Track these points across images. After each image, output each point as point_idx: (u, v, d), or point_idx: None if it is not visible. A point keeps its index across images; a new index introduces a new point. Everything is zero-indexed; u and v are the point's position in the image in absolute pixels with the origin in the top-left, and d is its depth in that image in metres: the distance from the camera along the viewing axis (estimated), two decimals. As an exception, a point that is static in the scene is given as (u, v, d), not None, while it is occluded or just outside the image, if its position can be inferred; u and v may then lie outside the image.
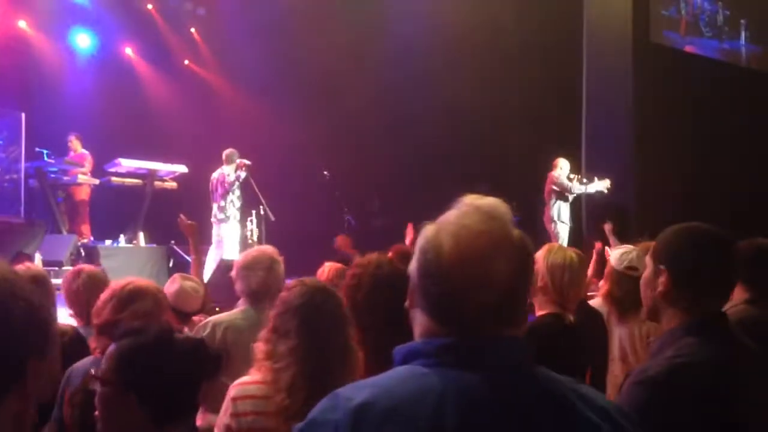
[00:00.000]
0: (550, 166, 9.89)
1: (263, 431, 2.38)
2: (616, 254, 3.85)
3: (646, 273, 1.98)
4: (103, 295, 2.78)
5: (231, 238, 9.45)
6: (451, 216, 1.29)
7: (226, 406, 2.44)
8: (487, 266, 1.21)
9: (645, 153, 11.05)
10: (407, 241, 8.21)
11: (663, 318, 1.91)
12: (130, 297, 2.72)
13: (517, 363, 1.23)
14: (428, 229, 1.29)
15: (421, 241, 1.29)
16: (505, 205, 1.31)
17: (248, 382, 2.45)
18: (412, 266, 1.30)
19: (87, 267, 3.72)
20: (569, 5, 11.53)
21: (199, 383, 1.91)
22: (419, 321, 1.28)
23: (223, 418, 2.44)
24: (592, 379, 3.42)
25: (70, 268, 9.66)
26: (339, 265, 4.24)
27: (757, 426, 1.77)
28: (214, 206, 9.61)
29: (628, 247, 3.93)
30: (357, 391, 1.20)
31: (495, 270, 1.21)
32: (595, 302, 4.02)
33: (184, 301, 3.65)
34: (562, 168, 9.73)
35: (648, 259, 1.99)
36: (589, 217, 10.24)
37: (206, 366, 1.93)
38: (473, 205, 1.30)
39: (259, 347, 2.45)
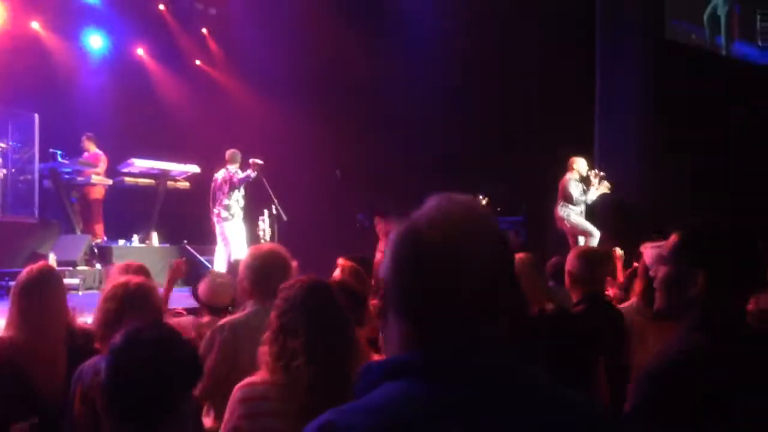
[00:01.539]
0: (563, 165, 9.72)
1: None
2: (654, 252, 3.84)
3: (668, 272, 1.93)
4: (102, 296, 2.82)
5: (237, 236, 9.45)
6: (426, 208, 1.17)
7: (233, 408, 2.35)
8: (468, 250, 1.10)
9: (659, 151, 10.99)
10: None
11: (687, 317, 1.89)
12: (127, 302, 2.73)
13: (514, 372, 1.11)
14: (404, 222, 1.16)
15: (397, 234, 1.16)
16: (478, 199, 1.23)
17: (258, 382, 2.36)
18: (386, 267, 1.15)
19: (133, 262, 3.85)
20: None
21: (171, 388, 1.88)
22: (395, 328, 1.14)
23: (230, 421, 2.34)
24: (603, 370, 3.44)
25: (84, 268, 9.77)
26: (354, 263, 4.24)
27: (759, 426, 1.76)
28: (218, 206, 9.58)
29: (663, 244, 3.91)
30: (353, 416, 1.07)
31: (477, 255, 1.10)
32: (627, 305, 4.01)
33: (217, 296, 3.80)
34: (577, 167, 9.50)
35: (666, 258, 1.95)
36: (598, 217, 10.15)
37: (180, 372, 1.90)
38: (447, 197, 1.18)
39: (267, 348, 2.38)
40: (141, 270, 3.64)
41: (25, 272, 3.14)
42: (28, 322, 3.00)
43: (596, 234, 9.22)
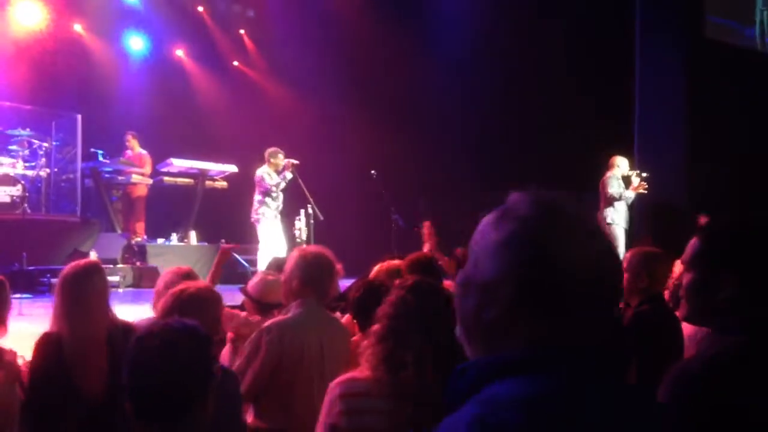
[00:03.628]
0: (603, 166, 9.65)
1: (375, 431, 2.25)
2: None
3: (694, 277, 1.85)
4: (162, 303, 2.84)
5: (268, 237, 9.42)
6: (536, 208, 1.12)
7: (332, 403, 2.27)
8: (593, 249, 1.10)
9: (699, 152, 10.80)
10: (425, 248, 8.15)
11: (717, 320, 1.84)
12: (188, 304, 2.73)
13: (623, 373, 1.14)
14: (518, 226, 1.10)
15: (512, 238, 1.09)
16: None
17: (360, 378, 2.28)
18: (501, 269, 1.08)
19: (184, 267, 3.90)
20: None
21: (179, 391, 1.90)
22: (516, 326, 1.08)
23: (329, 416, 2.27)
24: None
25: (124, 266, 9.93)
26: (394, 263, 4.24)
27: None
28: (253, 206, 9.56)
29: None
30: (502, 412, 1.01)
31: (599, 254, 1.10)
32: None
33: (267, 293, 3.83)
34: (619, 166, 9.49)
35: (690, 263, 1.88)
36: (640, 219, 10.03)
37: (186, 376, 1.92)
38: (548, 195, 1.14)
39: (372, 346, 2.30)
40: (190, 274, 3.71)
41: (69, 267, 3.19)
42: (73, 316, 3.05)
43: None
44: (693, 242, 1.88)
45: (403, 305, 2.31)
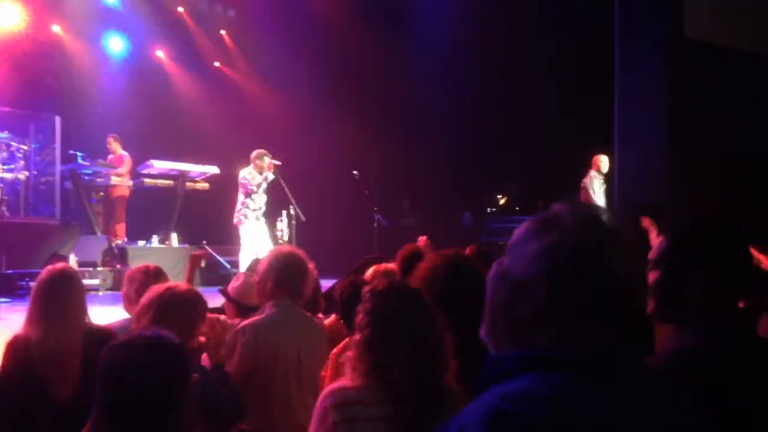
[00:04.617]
0: (580, 163, 9.81)
1: None
2: None
3: (660, 275, 1.88)
4: (144, 300, 2.78)
5: (249, 239, 9.37)
6: (571, 217, 1.21)
7: (325, 414, 2.24)
8: (620, 256, 1.18)
9: (679, 150, 10.88)
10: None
11: (682, 318, 1.86)
12: (170, 305, 2.71)
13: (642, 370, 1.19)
14: (558, 236, 1.18)
15: (554, 245, 1.17)
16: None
17: (349, 387, 2.27)
18: (538, 269, 1.17)
19: (152, 264, 3.76)
20: None
21: (151, 402, 1.88)
22: (549, 324, 1.16)
23: (321, 428, 2.24)
24: None
25: (104, 268, 9.85)
26: (389, 266, 4.18)
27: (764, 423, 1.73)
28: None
29: None
30: (522, 404, 1.06)
31: (625, 261, 1.18)
32: None
33: (247, 295, 3.76)
34: (602, 164, 9.78)
35: (657, 261, 1.90)
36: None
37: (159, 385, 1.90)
38: (581, 205, 1.26)
39: (357, 355, 2.29)
40: (159, 272, 3.64)
41: (45, 272, 3.17)
42: (46, 321, 3.02)
43: None
44: (660, 241, 1.92)
45: (380, 311, 2.32)
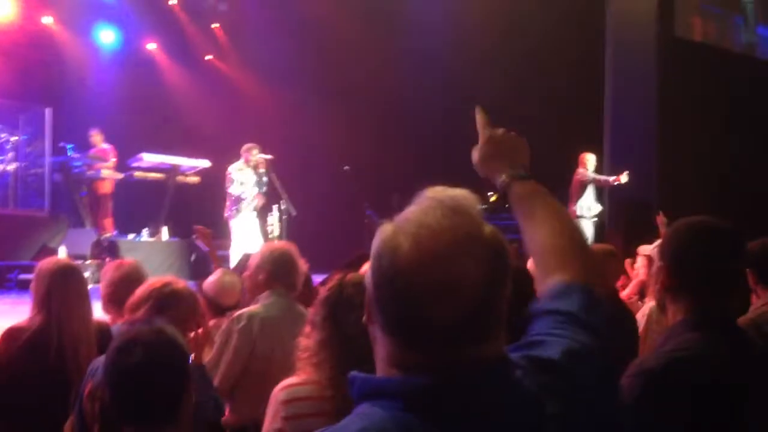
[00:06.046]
0: (573, 162, 9.90)
1: None
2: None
3: (654, 267, 1.98)
4: (139, 292, 2.75)
5: (240, 233, 9.36)
6: (410, 213, 1.09)
7: (276, 410, 2.28)
8: (452, 270, 1.01)
9: (669, 148, 10.94)
10: None
11: (668, 313, 1.90)
12: (168, 300, 2.69)
13: (503, 396, 1.03)
14: (384, 230, 1.09)
15: (376, 244, 1.09)
16: (472, 196, 1.10)
17: (297, 383, 2.32)
18: (368, 275, 1.09)
19: (127, 261, 3.65)
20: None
21: (173, 393, 1.91)
22: (379, 341, 1.08)
23: (272, 423, 2.28)
24: None
25: (93, 261, 9.81)
26: None
27: (758, 425, 1.75)
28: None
29: None
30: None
31: (462, 274, 1.01)
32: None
33: (223, 295, 3.70)
34: (589, 162, 9.90)
35: (658, 254, 1.98)
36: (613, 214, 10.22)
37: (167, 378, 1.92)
38: (435, 199, 1.09)
39: (310, 349, 2.33)
40: (136, 267, 3.52)
41: (59, 262, 3.19)
42: (72, 311, 3.03)
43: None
44: (665, 235, 2.01)
45: (348, 304, 2.31)
